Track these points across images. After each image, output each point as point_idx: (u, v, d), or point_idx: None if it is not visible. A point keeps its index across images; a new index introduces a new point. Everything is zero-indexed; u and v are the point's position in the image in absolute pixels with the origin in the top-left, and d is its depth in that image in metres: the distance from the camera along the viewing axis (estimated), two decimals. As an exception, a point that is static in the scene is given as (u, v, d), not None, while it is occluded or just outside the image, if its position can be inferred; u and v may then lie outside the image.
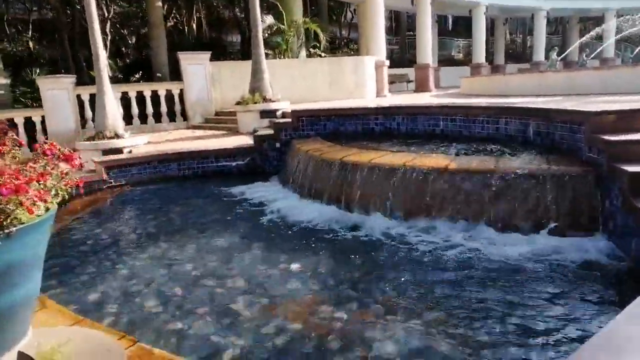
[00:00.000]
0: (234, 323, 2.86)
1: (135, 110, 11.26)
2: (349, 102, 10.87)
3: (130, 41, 20.40)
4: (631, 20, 15.40)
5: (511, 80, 10.62)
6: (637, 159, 3.65)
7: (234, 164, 7.17)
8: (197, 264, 3.84)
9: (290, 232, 4.58)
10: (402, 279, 3.39)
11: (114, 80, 14.30)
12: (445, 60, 26.92)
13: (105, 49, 16.22)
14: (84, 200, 5.80)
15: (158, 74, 13.63)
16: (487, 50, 22.55)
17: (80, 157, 2.18)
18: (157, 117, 11.65)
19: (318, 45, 14.91)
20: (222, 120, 11.40)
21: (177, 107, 11.83)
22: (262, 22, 12.74)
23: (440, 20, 25.72)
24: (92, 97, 8.58)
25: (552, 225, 3.91)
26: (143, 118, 11.54)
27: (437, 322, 2.78)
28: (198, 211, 5.49)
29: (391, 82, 20.29)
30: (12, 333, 1.97)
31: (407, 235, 4.23)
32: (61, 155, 2.05)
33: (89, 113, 10.14)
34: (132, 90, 11.19)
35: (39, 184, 1.87)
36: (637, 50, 16.63)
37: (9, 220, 1.69)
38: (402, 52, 27.95)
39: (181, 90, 11.81)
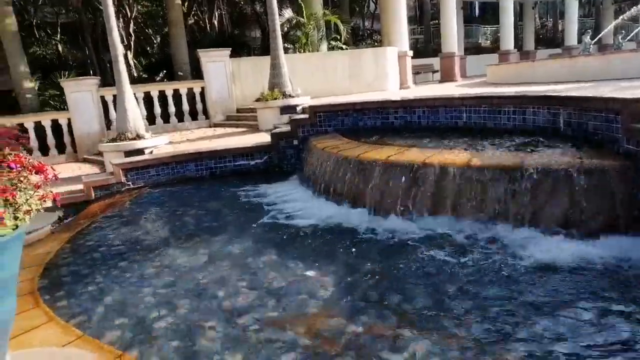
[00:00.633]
0: (242, 338, 2.72)
1: (157, 110, 11.32)
2: (369, 95, 10.61)
3: (155, 40, 20.62)
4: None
5: (540, 67, 10.10)
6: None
7: (251, 163, 7.05)
8: (206, 272, 3.73)
9: (304, 234, 4.42)
10: (434, 285, 3.18)
11: (138, 79, 14.48)
12: (472, 48, 26.10)
13: (130, 49, 16.45)
14: (101, 204, 5.81)
15: (179, 73, 13.68)
16: (516, 36, 21.67)
17: (53, 169, 2.06)
18: (180, 116, 11.69)
19: (339, 37, 14.63)
20: (243, 118, 11.34)
21: (199, 106, 11.84)
22: (281, 15, 12.58)
23: (465, 7, 24.93)
24: (116, 99, 8.62)
25: (585, 225, 3.61)
26: (166, 118, 11.60)
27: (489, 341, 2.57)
28: (212, 214, 5.39)
29: (416, 73, 19.85)
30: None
31: (432, 236, 4.01)
32: (31, 168, 1.92)
33: (113, 114, 10.24)
34: (154, 90, 11.24)
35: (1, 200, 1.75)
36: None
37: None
38: (427, 42, 27.28)
39: (202, 88, 11.80)
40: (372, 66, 13.07)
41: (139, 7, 18.78)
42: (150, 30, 20.29)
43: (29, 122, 9.59)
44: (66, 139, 10.04)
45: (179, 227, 5.11)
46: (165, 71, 15.35)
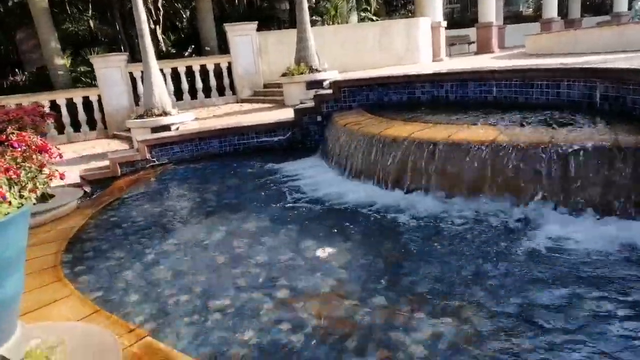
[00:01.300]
0: (254, 316, 2.71)
1: (185, 85, 11.38)
2: (398, 68, 10.28)
3: (184, 15, 20.60)
4: None
5: (583, 36, 9.44)
6: None
7: (275, 139, 6.99)
8: (224, 248, 3.74)
9: (323, 212, 4.35)
10: (461, 268, 3.06)
11: (166, 55, 14.55)
12: (512, 17, 24.91)
13: (159, 23, 16.50)
14: (126, 180, 5.91)
15: (207, 48, 13.65)
16: (560, 3, 20.47)
17: (58, 148, 2.05)
18: (207, 92, 11.72)
19: (369, 8, 14.18)
20: (270, 93, 11.26)
21: (226, 81, 11.82)
22: (308, -13, 12.26)
23: (506, -27, 23.65)
24: (143, 75, 8.69)
25: (622, 207, 3.37)
26: (193, 93, 11.65)
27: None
28: (233, 191, 5.40)
29: (451, 44, 19.13)
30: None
31: (454, 217, 3.85)
32: (34, 147, 1.91)
33: (142, 90, 10.37)
34: (181, 65, 11.29)
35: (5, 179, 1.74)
36: None
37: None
38: (463, 11, 26.18)
39: (229, 63, 11.75)
40: (403, 38, 12.64)
41: (168, -19, 18.72)
42: (179, 5, 20.25)
43: (60, 98, 9.85)
44: (97, 115, 10.27)
45: (200, 203, 5.15)
46: (193, 46, 15.36)
